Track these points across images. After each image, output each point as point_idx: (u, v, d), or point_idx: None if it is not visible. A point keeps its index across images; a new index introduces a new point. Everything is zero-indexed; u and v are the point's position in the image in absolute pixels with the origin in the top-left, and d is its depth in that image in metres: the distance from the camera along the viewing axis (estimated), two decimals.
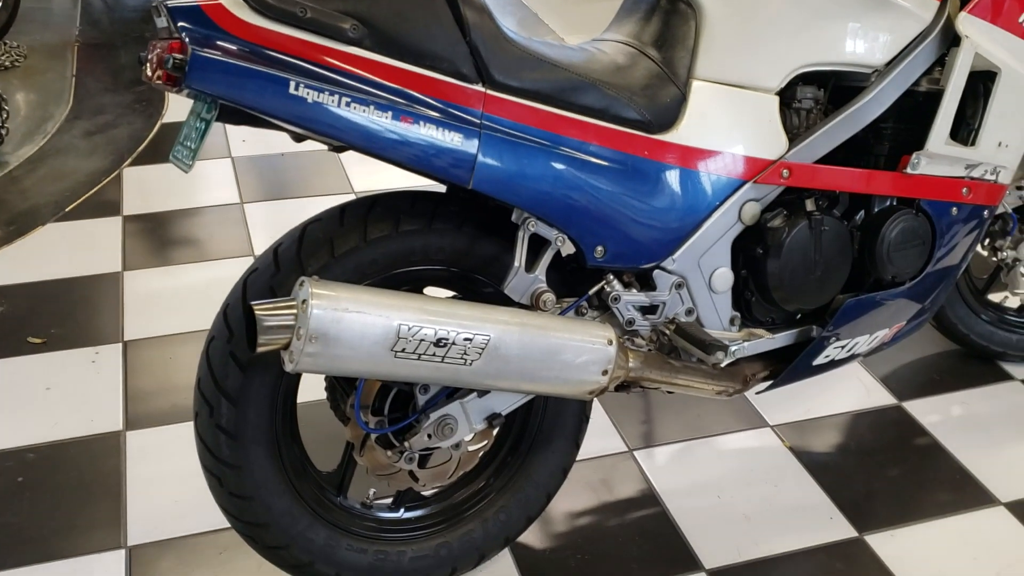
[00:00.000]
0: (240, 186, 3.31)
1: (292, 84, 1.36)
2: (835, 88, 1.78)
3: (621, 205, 1.60)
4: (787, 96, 1.73)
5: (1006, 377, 2.41)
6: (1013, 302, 2.40)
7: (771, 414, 2.26)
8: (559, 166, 1.54)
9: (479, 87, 1.46)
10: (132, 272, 2.81)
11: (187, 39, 1.32)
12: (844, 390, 2.36)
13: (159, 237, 3.02)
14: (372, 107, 1.40)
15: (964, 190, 1.85)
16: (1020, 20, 1.77)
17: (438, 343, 1.42)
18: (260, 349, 1.37)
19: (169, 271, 2.84)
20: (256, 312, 1.37)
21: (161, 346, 2.49)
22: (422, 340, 1.41)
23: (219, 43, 1.33)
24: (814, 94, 1.76)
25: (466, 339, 1.43)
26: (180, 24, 1.33)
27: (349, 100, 1.39)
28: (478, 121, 1.46)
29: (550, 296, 1.57)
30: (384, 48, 1.41)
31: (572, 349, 1.52)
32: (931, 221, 1.83)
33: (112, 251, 2.90)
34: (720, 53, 1.65)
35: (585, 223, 1.57)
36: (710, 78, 1.66)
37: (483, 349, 1.45)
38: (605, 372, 1.55)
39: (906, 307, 1.92)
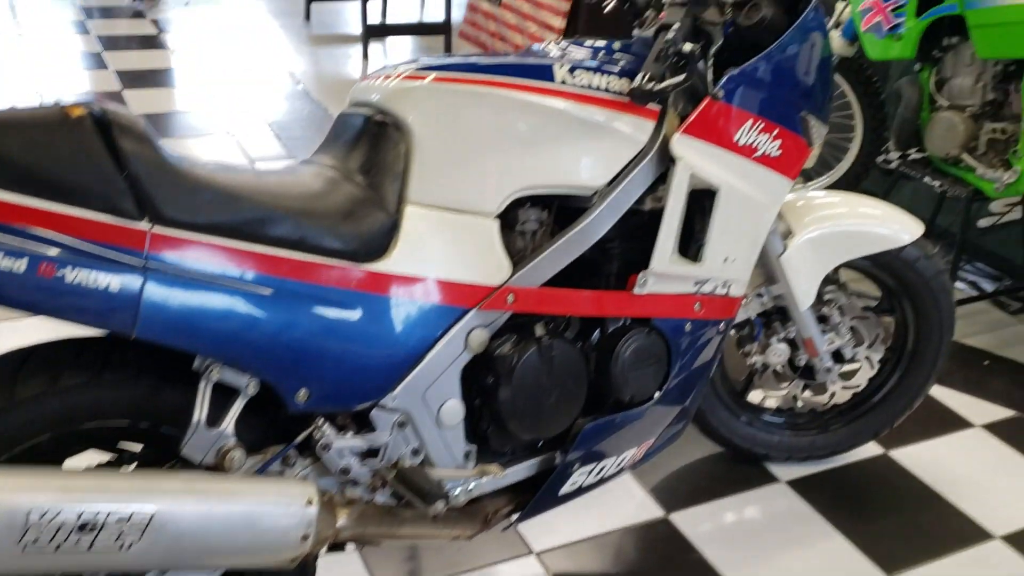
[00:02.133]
0: None
1: None
2: (560, 208, 1.73)
3: (325, 342, 1.47)
4: (509, 218, 1.67)
5: (771, 479, 2.40)
6: (772, 402, 2.40)
7: (538, 538, 2.15)
8: (246, 305, 1.39)
9: (142, 224, 1.31)
10: None
11: None
12: (615, 504, 2.28)
13: None
14: (1, 254, 1.22)
15: (696, 305, 1.82)
16: (736, 138, 1.77)
17: (83, 528, 1.23)
18: None
19: None
20: None
21: None
22: (60, 527, 1.21)
23: None
24: (537, 215, 1.69)
25: (121, 519, 1.25)
26: None
27: None
28: (141, 263, 1.30)
29: (238, 453, 1.41)
30: (19, 185, 1.24)
31: (262, 516, 1.36)
32: (665, 339, 1.79)
33: None
34: (433, 177, 1.57)
35: (282, 366, 1.43)
36: (424, 202, 1.57)
37: (144, 528, 1.26)
38: (306, 537, 1.40)
39: (651, 425, 1.86)
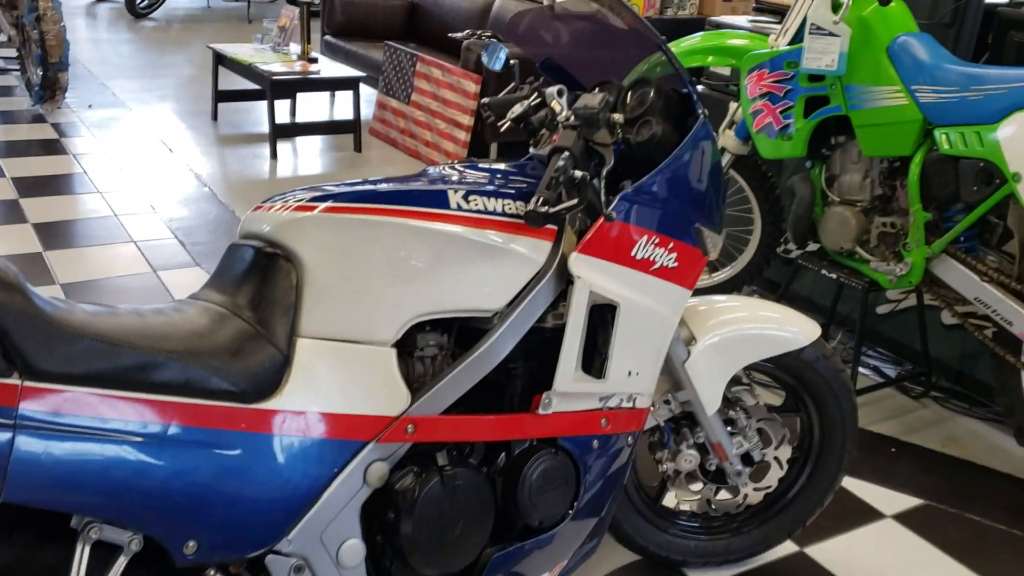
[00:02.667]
0: None
1: None
2: (461, 329, 1.72)
3: (215, 489, 1.41)
4: (407, 345, 1.65)
5: None
6: (686, 507, 2.39)
7: None
8: (128, 457, 1.33)
9: (12, 379, 1.25)
10: None
11: None
12: None
13: None
14: None
15: (603, 421, 1.81)
16: (633, 254, 1.79)
17: None
18: None
19: None
20: None
21: None
22: None
23: None
24: (437, 340, 1.68)
25: None
26: None
27: None
28: (11, 420, 1.24)
29: None
30: None
31: None
32: (573, 458, 1.78)
33: None
34: (325, 309, 1.54)
35: (167, 518, 1.37)
36: (316, 335, 1.54)
37: None
38: None
39: (563, 546, 1.83)
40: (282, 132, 5.64)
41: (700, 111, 1.92)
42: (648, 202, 1.81)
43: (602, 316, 1.80)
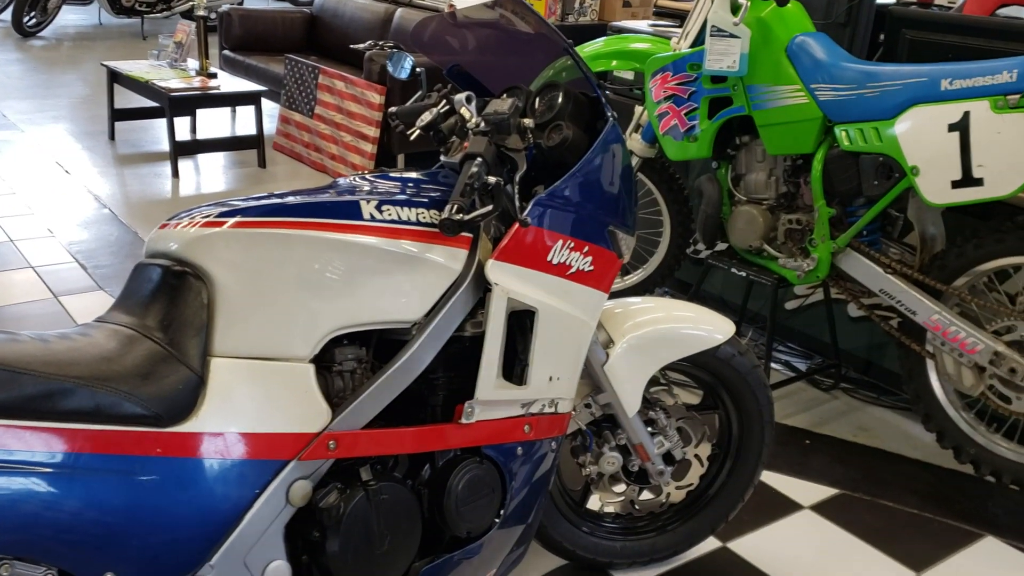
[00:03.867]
0: None
1: None
2: (380, 341, 1.68)
3: (131, 517, 1.36)
4: (325, 360, 1.61)
5: None
6: (611, 508, 2.40)
7: None
8: (36, 489, 1.27)
9: None
10: None
11: None
12: None
13: None
14: None
15: (526, 427, 1.80)
16: (549, 259, 1.79)
17: None
18: None
19: None
20: None
21: None
22: None
23: None
24: (355, 353, 1.64)
25: None
26: None
27: None
28: None
29: None
30: None
31: None
32: (498, 466, 1.76)
33: None
34: (239, 326, 1.50)
35: (82, 551, 1.31)
36: (231, 354, 1.49)
37: None
38: None
39: (491, 554, 1.81)
40: (183, 149, 5.50)
41: (609, 114, 1.94)
42: (562, 206, 1.81)
43: (520, 322, 1.79)
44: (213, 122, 6.56)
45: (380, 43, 5.58)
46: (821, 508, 2.75)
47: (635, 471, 2.25)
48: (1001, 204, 2.79)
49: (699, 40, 3.11)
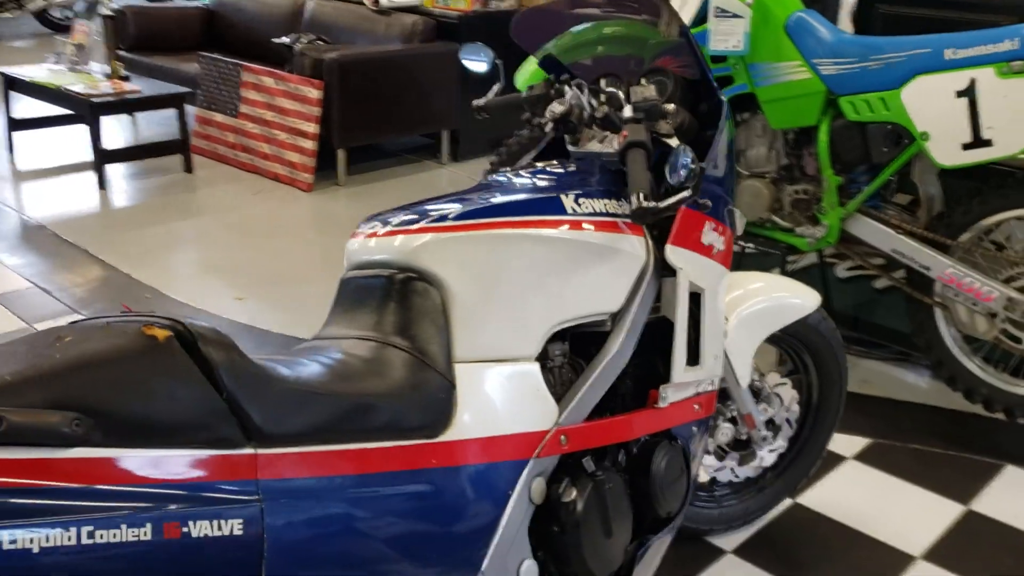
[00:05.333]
0: None
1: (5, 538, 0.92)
2: (573, 336, 1.70)
3: (420, 531, 1.34)
4: (540, 358, 1.61)
5: (719, 552, 2.47)
6: (704, 477, 2.48)
7: None
8: (357, 512, 1.24)
9: (248, 450, 1.12)
10: None
11: None
12: None
13: None
14: (124, 527, 1.00)
15: (696, 406, 1.86)
16: (703, 241, 1.84)
17: None
18: None
19: None
20: None
21: None
22: None
23: None
24: (561, 349, 1.66)
25: None
26: None
27: (91, 527, 0.97)
28: (256, 495, 1.12)
29: None
30: (119, 438, 1.03)
31: None
32: (683, 447, 1.81)
33: None
34: (475, 328, 1.49)
35: (386, 568, 1.28)
36: (470, 358, 1.48)
37: None
38: None
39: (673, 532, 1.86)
40: (106, 158, 5.17)
41: (721, 95, 2.00)
42: (707, 190, 1.86)
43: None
44: (115, 129, 6.20)
45: (303, 36, 5.43)
46: (863, 457, 2.93)
47: (744, 440, 2.34)
48: (994, 167, 3.03)
49: (696, 21, 3.21)
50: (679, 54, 3.22)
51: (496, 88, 2.17)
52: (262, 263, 4.22)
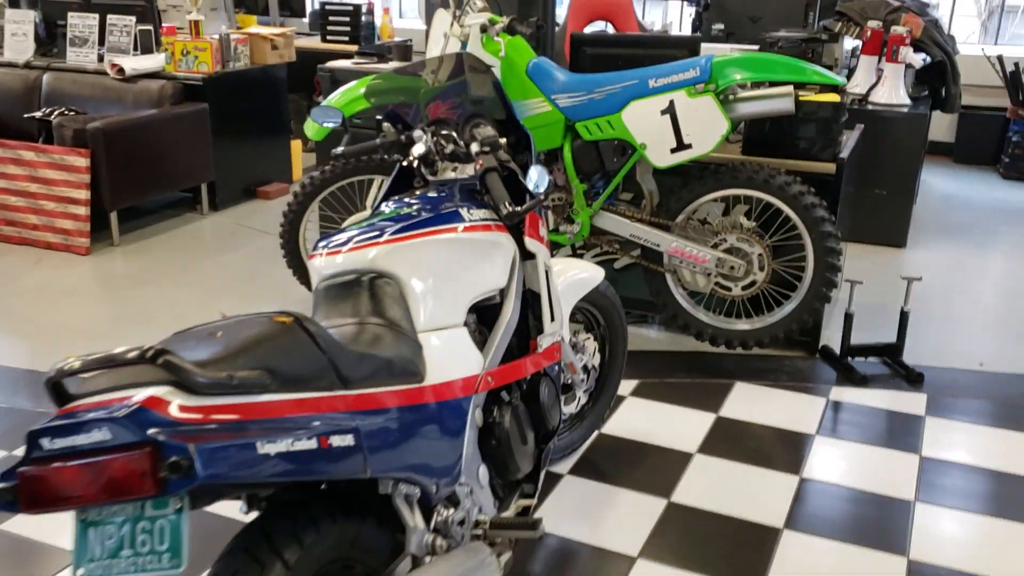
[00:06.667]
0: None
1: (258, 444, 1.47)
2: (473, 307, 2.38)
3: (428, 446, 1.97)
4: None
5: (559, 477, 3.22)
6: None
7: None
8: (402, 431, 1.86)
9: (342, 392, 1.72)
10: None
11: (163, 439, 1.35)
12: None
13: None
14: (302, 440, 1.57)
15: (556, 352, 2.60)
16: (540, 232, 2.59)
17: None
18: None
19: None
20: None
21: None
22: None
23: (189, 432, 1.39)
24: (472, 319, 2.33)
25: None
26: (149, 433, 1.35)
27: (292, 439, 1.54)
28: (353, 421, 1.71)
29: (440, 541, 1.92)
30: (282, 386, 1.59)
31: None
32: (553, 380, 2.54)
33: None
34: (427, 308, 2.13)
35: (430, 470, 1.92)
36: (426, 328, 2.12)
37: None
38: None
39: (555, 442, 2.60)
40: None
41: (525, 128, 2.77)
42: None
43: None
44: None
45: (55, 109, 5.59)
46: (636, 393, 3.82)
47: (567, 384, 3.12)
48: (694, 163, 4.04)
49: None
50: (446, 99, 3.98)
51: (346, 138, 2.80)
52: (58, 325, 4.45)
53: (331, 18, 7.79)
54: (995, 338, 4.51)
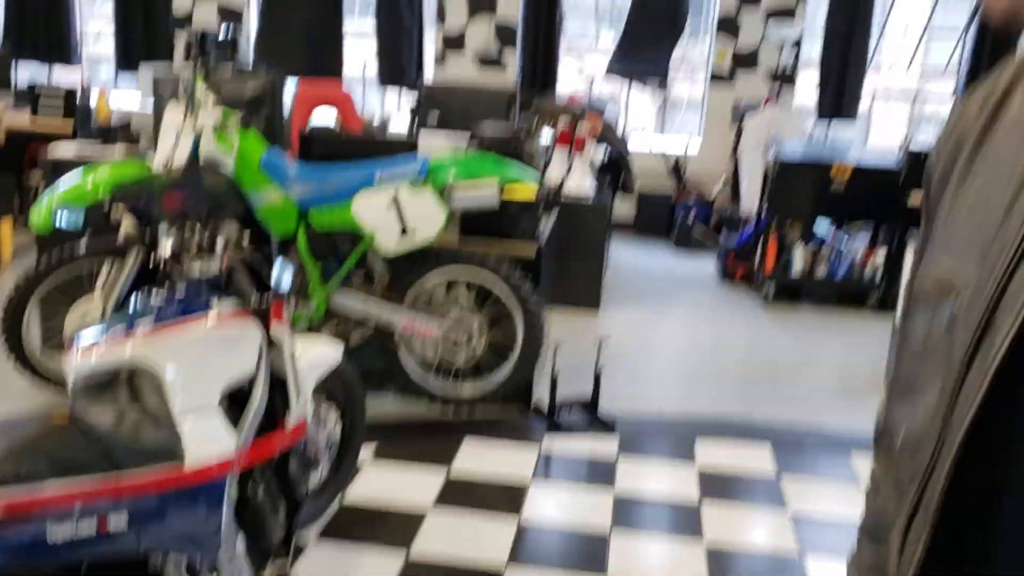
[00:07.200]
0: None
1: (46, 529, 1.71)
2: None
3: (194, 521, 2.25)
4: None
5: (307, 544, 3.51)
6: None
7: None
8: (180, 508, 2.14)
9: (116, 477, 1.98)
10: None
11: None
12: None
13: None
14: (85, 519, 1.82)
15: (301, 429, 2.92)
16: (285, 318, 2.92)
17: None
18: None
19: None
20: None
21: None
22: None
23: None
24: (226, 402, 2.61)
25: None
26: None
27: (73, 524, 1.79)
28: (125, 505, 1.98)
29: None
30: (68, 473, 1.84)
31: None
32: (300, 453, 2.86)
33: None
34: (183, 396, 2.39)
35: (198, 543, 2.21)
36: (185, 410, 2.38)
37: None
38: None
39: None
40: None
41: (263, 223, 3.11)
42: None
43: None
44: None
45: None
46: (378, 454, 4.18)
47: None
48: (419, 250, 4.49)
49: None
50: (181, 190, 4.22)
51: (87, 235, 2.99)
52: None
53: (42, 100, 7.64)
54: (671, 385, 5.38)
